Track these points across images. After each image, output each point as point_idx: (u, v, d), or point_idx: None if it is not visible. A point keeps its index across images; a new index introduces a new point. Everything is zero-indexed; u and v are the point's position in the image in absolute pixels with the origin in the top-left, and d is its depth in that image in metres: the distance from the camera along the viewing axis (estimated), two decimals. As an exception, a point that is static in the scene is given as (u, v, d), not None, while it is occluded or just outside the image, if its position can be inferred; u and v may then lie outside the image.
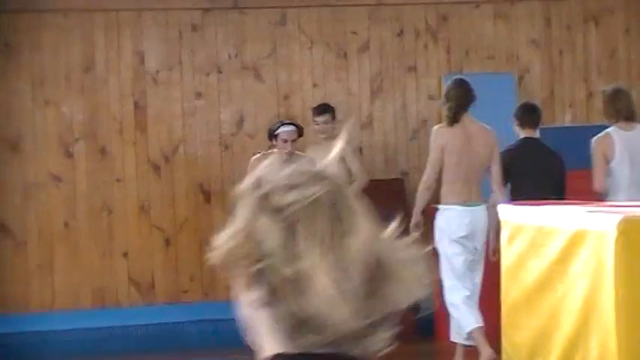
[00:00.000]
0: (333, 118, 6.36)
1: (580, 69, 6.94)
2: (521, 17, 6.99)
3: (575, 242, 3.65)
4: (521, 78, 6.89)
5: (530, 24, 7.01)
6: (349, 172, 6.09)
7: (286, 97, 6.53)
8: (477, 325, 5.32)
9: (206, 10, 6.38)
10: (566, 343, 3.67)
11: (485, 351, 5.27)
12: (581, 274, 3.59)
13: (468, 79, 6.12)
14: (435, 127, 5.38)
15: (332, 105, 6.38)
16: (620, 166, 5.63)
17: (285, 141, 5.97)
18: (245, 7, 6.48)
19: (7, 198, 6.11)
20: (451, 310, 5.40)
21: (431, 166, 5.26)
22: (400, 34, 6.82)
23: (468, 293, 5.40)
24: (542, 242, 3.93)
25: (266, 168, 0.87)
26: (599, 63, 6.93)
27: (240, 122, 6.40)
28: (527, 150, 5.74)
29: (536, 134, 5.84)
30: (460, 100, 5.44)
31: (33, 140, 6.15)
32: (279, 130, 6.01)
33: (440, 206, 5.37)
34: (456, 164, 5.11)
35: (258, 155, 6.03)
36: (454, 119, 5.13)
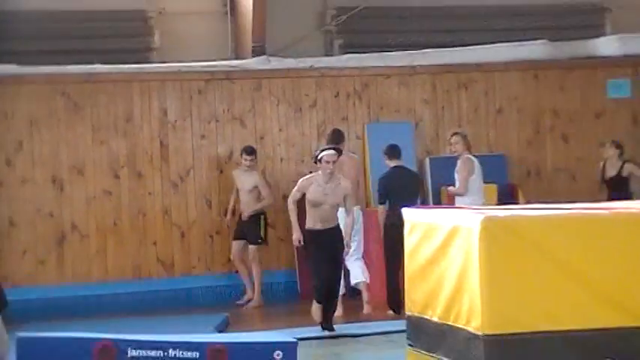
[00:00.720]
0: (255, 157, 7.95)
1: (454, 119, 8.89)
2: (416, 84, 8.91)
3: (453, 234, 4.28)
4: (417, 125, 8.83)
5: (422, 89, 8.89)
6: (259, 195, 7.95)
7: (262, 138, 8.49)
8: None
9: (207, 80, 8.43)
10: (448, 301, 4.32)
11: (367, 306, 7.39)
12: (457, 255, 4.20)
13: (382, 126, 8.58)
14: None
15: (254, 148, 8.03)
16: (475, 179, 7.60)
17: (328, 162, 6.45)
18: (234, 78, 8.48)
19: (74, 206, 8.12)
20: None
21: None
22: (337, 95, 8.76)
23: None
24: (431, 234, 4.53)
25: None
26: (467, 115, 8.95)
27: (230, 154, 8.42)
28: (398, 174, 7.41)
29: (401, 162, 7.48)
30: (331, 142, 7.07)
31: (93, 167, 8.21)
32: (322, 154, 6.48)
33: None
34: None
35: (307, 176, 6.75)
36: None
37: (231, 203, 8.19)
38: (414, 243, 4.73)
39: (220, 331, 7.02)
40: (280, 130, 8.66)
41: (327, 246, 6.64)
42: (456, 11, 9.75)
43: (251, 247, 8.01)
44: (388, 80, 8.92)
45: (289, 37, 8.95)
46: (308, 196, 6.60)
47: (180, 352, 5.40)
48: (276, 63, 8.66)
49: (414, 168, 8.17)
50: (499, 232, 3.95)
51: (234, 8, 8.91)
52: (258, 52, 8.61)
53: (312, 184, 6.61)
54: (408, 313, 4.96)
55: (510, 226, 4.06)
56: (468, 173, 7.55)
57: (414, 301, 4.82)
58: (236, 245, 8.12)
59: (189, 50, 8.79)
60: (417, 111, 8.93)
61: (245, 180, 8.02)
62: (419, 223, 4.72)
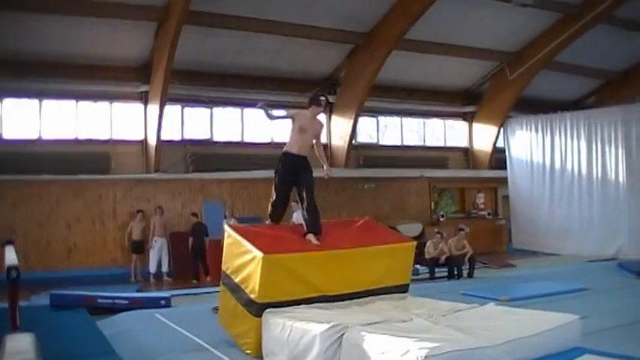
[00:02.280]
0: None
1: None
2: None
3: (250, 252, 7.28)
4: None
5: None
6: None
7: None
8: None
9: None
10: (244, 276, 7.38)
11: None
12: (251, 262, 7.21)
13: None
14: None
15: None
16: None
17: (320, 105, 8.27)
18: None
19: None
20: None
21: None
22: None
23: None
24: (240, 246, 7.58)
25: None
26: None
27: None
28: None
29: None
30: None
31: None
32: (320, 98, 8.28)
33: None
34: None
35: (301, 110, 8.45)
36: None
37: None
38: (230, 244, 7.90)
39: (138, 291, 14.23)
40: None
41: (296, 169, 8.15)
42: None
43: None
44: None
45: None
46: (299, 123, 8.11)
47: (120, 300, 11.71)
48: None
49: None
50: (269, 261, 7.22)
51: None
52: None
53: (303, 115, 8.15)
54: (226, 271, 7.98)
55: (273, 258, 7.26)
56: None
57: (228, 266, 7.95)
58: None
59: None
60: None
61: None
62: (234, 236, 7.82)
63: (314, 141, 8.38)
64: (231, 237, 8.10)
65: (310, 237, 8.13)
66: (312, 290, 7.60)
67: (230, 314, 8.18)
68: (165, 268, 17.41)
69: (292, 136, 8.15)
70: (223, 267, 8.20)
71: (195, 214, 18.05)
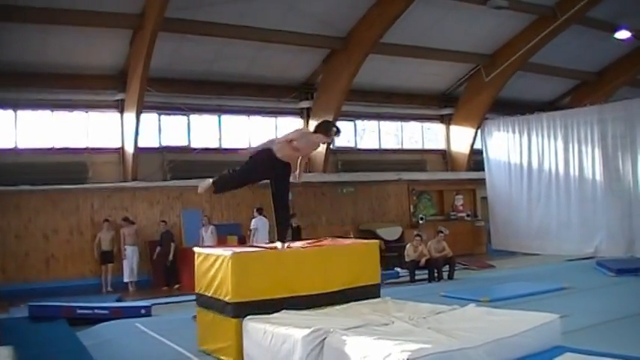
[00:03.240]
0: None
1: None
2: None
3: (219, 258, 7.64)
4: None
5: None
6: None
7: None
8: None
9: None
10: (216, 287, 7.70)
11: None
12: (221, 267, 7.55)
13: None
14: None
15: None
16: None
17: (329, 138, 7.85)
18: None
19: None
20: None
21: None
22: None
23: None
24: (209, 258, 7.94)
25: None
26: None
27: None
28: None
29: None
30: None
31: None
32: (332, 129, 7.73)
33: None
34: None
35: (308, 131, 8.06)
36: None
37: None
38: (200, 262, 8.21)
39: (118, 301, 13.90)
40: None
41: (275, 169, 7.83)
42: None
43: None
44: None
45: None
46: (298, 144, 7.65)
47: (100, 310, 11.49)
48: None
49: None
50: (238, 260, 7.51)
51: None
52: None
53: (306, 137, 7.80)
54: (199, 292, 8.22)
55: (240, 256, 7.62)
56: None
57: (200, 286, 8.20)
58: None
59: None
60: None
61: None
62: (203, 252, 8.32)
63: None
64: (200, 254, 8.36)
65: (277, 244, 8.32)
66: (285, 290, 7.76)
67: (208, 331, 8.24)
68: (134, 278, 17.31)
69: (283, 145, 7.67)
70: (197, 289, 8.37)
71: (164, 222, 17.99)
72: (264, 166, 7.81)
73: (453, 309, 7.61)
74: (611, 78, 25.84)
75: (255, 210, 17.78)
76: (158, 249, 17.49)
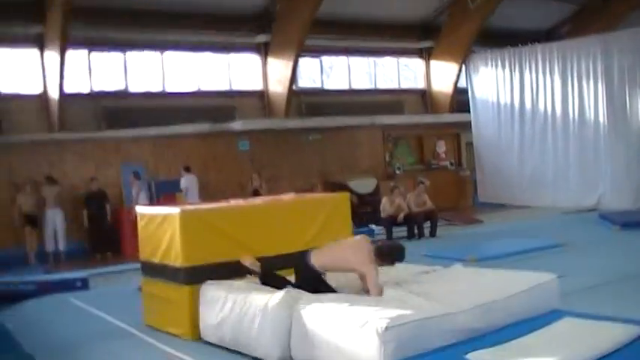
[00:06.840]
0: None
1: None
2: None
3: (166, 218, 7.59)
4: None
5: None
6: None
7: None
8: None
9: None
10: (164, 251, 7.69)
11: None
12: (169, 228, 7.51)
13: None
14: None
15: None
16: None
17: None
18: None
19: None
20: None
21: None
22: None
23: None
24: (155, 219, 7.93)
25: None
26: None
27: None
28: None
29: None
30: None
31: None
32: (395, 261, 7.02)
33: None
34: None
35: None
36: None
37: None
38: (144, 224, 8.15)
39: (47, 273, 13.40)
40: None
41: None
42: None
43: None
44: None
45: None
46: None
47: (25, 285, 11.29)
48: None
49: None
50: (188, 217, 7.48)
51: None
52: None
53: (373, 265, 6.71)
54: (145, 258, 8.21)
55: (190, 213, 7.63)
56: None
57: (145, 252, 8.18)
58: None
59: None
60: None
61: None
62: (147, 213, 8.30)
63: None
64: (144, 216, 8.33)
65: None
66: (243, 251, 7.71)
67: (156, 303, 8.19)
68: (62, 247, 17.03)
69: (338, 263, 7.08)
70: (141, 256, 8.38)
71: (94, 179, 17.72)
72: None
73: (436, 270, 7.72)
74: (617, 2, 25.56)
75: (182, 169, 17.91)
76: (85, 212, 17.19)
